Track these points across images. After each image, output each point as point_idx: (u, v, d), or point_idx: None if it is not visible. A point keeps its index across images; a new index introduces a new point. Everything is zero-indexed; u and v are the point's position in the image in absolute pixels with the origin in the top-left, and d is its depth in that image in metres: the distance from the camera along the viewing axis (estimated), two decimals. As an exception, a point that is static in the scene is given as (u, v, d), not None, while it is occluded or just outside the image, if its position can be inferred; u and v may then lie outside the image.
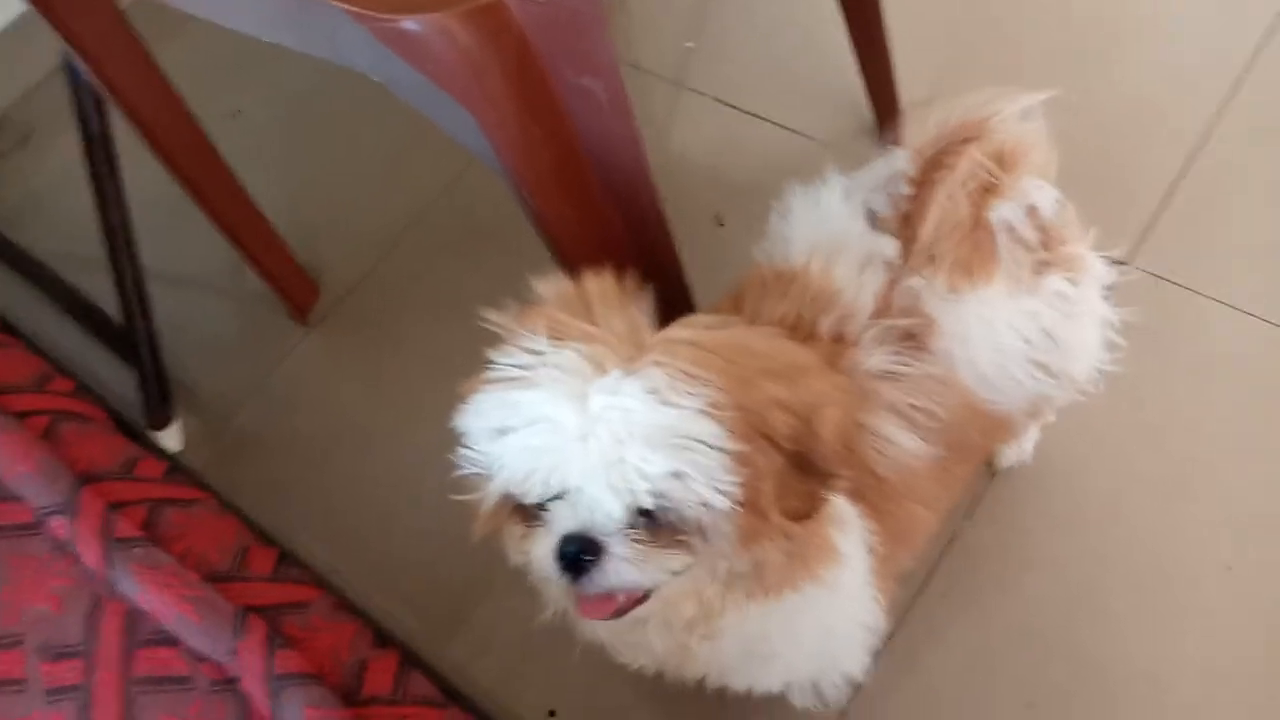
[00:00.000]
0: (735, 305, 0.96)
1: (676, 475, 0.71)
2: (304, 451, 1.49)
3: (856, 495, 0.89)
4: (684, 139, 1.66)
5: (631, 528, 0.73)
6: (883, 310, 0.90)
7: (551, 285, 0.80)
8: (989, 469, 1.29)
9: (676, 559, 0.75)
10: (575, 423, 0.71)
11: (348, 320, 1.59)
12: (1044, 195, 0.90)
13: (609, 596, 0.77)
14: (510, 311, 0.79)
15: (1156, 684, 1.16)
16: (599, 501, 0.72)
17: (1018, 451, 1.26)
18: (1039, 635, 1.21)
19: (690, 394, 0.71)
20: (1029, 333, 0.92)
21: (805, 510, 0.78)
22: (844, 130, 1.58)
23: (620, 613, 0.79)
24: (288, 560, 0.84)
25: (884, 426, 0.89)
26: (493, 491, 0.76)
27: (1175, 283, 1.39)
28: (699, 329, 0.78)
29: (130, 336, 1.45)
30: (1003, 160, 0.87)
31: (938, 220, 0.86)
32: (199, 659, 0.76)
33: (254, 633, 0.75)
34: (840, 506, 0.87)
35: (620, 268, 1.12)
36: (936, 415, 0.90)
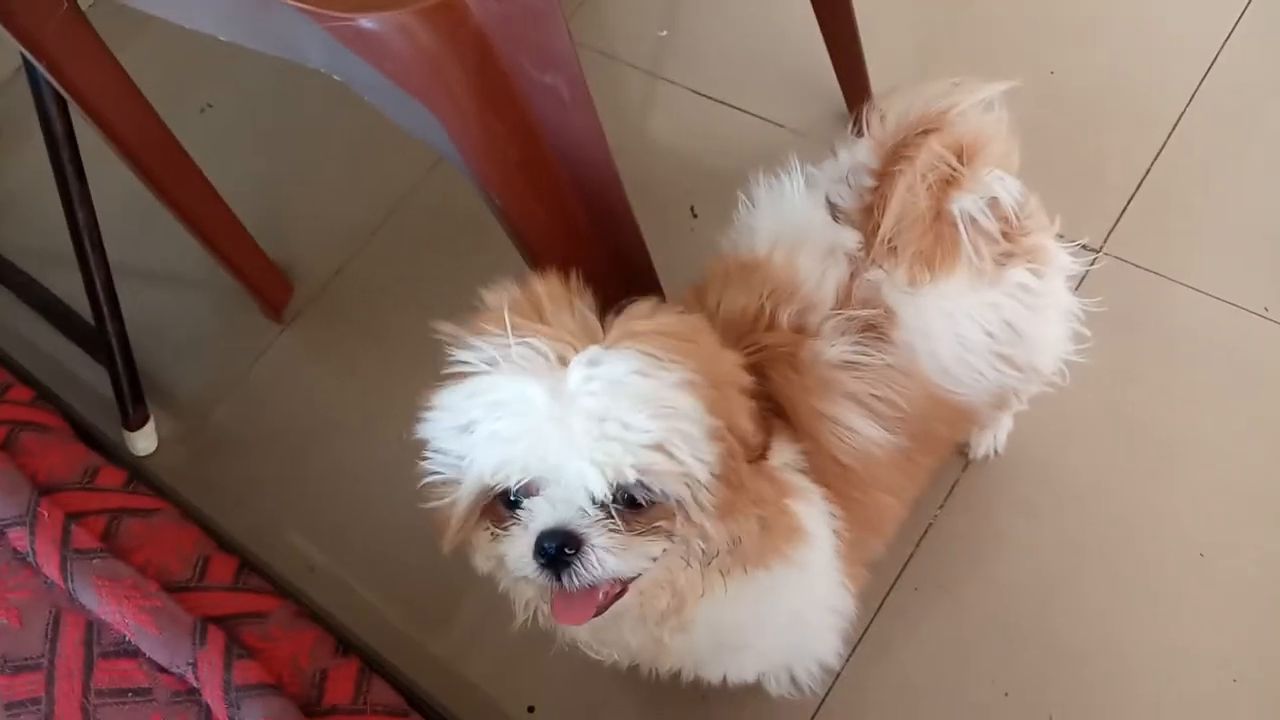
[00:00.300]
0: (699, 296, 0.96)
1: (660, 447, 0.71)
2: (281, 448, 1.49)
3: (820, 480, 0.89)
4: (658, 129, 1.65)
5: (608, 516, 0.73)
6: (844, 301, 0.90)
7: (499, 292, 0.79)
8: (963, 458, 1.29)
9: (655, 544, 0.75)
10: (548, 403, 0.71)
11: (323, 316, 1.59)
12: (1005, 186, 0.89)
13: (588, 596, 0.77)
14: (461, 322, 0.78)
15: (1131, 670, 1.17)
16: (582, 478, 0.71)
17: (991, 440, 1.26)
18: (1013, 623, 1.21)
19: (667, 369, 0.72)
20: (991, 325, 0.92)
21: (764, 446, 0.79)
22: (818, 119, 1.57)
23: (599, 611, 0.78)
24: (248, 569, 0.83)
25: (845, 415, 0.89)
26: (465, 492, 0.75)
27: (1147, 269, 1.38)
28: (643, 318, 0.77)
29: (102, 337, 1.44)
30: (963, 152, 0.87)
31: (898, 213, 0.86)
32: (159, 670, 0.76)
33: (213, 643, 0.75)
34: (803, 484, 0.88)
35: (589, 261, 1.12)
36: (898, 405, 0.90)
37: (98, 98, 1.26)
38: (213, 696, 0.74)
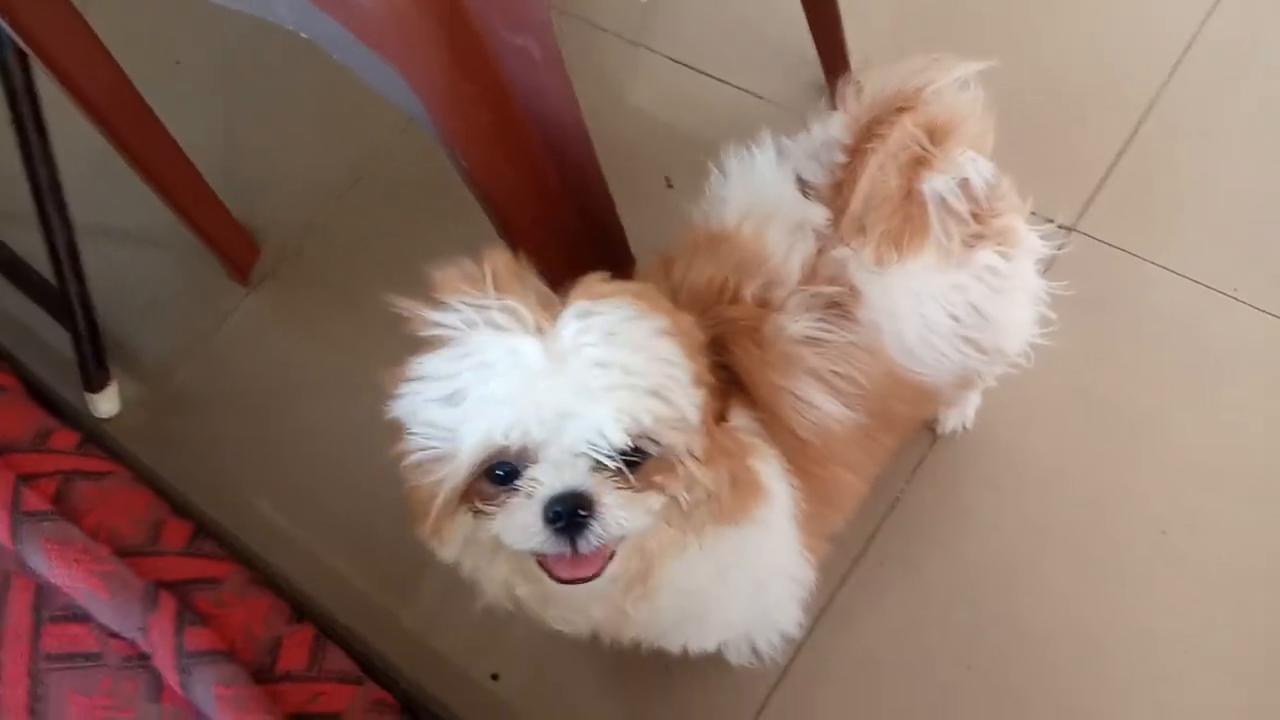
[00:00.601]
0: (667, 266, 0.95)
1: (658, 393, 0.71)
2: (248, 412, 1.47)
3: (778, 448, 0.89)
4: (637, 97, 1.63)
5: (615, 473, 0.72)
6: (810, 278, 0.89)
7: (451, 268, 0.77)
8: (931, 434, 1.29)
9: (655, 499, 0.75)
10: (543, 360, 0.70)
11: (291, 278, 1.57)
12: (977, 168, 0.89)
13: (594, 557, 0.75)
14: (421, 294, 0.76)
15: (1093, 645, 1.18)
16: (599, 429, 0.69)
17: (959, 416, 1.26)
18: (978, 598, 1.22)
19: (649, 317, 0.73)
20: (957, 308, 0.92)
21: (723, 409, 0.80)
22: (797, 91, 1.56)
23: (599, 572, 0.76)
24: (203, 534, 0.82)
25: (806, 390, 0.88)
26: (459, 466, 0.72)
27: (1120, 248, 1.38)
28: (601, 284, 0.76)
29: (64, 297, 1.41)
30: (935, 131, 0.86)
31: (868, 191, 0.85)
32: (110, 635, 0.75)
33: (164, 609, 0.74)
34: (759, 445, 0.88)
35: (559, 224, 1.11)
36: (860, 383, 0.90)
37: (59, 52, 1.23)
38: (163, 662, 0.73)
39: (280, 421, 1.45)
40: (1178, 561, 1.21)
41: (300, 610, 0.82)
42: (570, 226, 1.11)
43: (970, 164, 0.88)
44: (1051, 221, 1.38)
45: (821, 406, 0.89)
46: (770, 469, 0.88)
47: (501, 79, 0.97)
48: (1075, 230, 1.39)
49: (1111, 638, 1.18)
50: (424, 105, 0.93)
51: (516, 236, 1.07)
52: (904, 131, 0.84)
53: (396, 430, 0.76)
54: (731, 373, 0.86)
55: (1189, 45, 1.52)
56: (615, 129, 1.57)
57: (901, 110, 0.85)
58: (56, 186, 1.36)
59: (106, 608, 0.74)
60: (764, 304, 0.89)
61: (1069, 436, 1.29)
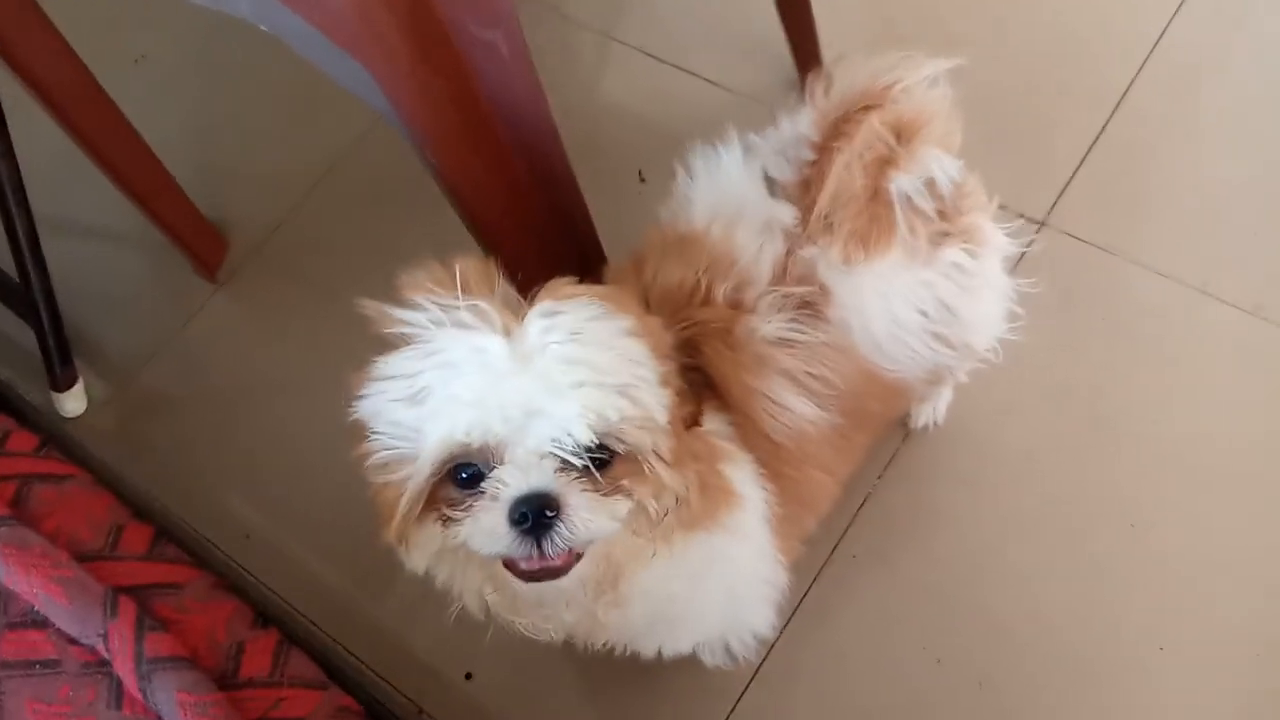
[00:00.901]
0: (637, 266, 0.94)
1: (626, 392, 0.70)
2: (217, 410, 1.46)
3: (752, 455, 0.89)
4: (609, 90, 1.62)
5: (581, 475, 0.71)
6: (780, 278, 0.89)
7: (420, 270, 0.76)
8: (903, 429, 1.29)
9: (621, 504, 0.74)
10: (508, 359, 0.69)
11: (258, 275, 1.55)
12: (943, 166, 0.88)
13: (560, 561, 0.74)
14: (389, 295, 0.75)
15: (1060, 639, 1.18)
16: (565, 428, 0.68)
17: (930, 412, 1.27)
18: (949, 593, 1.22)
19: (615, 317, 0.72)
20: (925, 304, 0.92)
21: (695, 414, 0.80)
22: (770, 85, 1.55)
23: (566, 568, 0.75)
24: (165, 537, 0.81)
25: (779, 392, 0.88)
26: (420, 466, 0.71)
27: (1090, 243, 1.38)
28: (567, 286, 0.75)
29: (27, 294, 1.39)
30: (902, 130, 0.86)
31: (834, 191, 0.85)
32: (69, 641, 0.74)
33: (124, 615, 0.73)
34: (732, 450, 0.87)
35: (528, 219, 1.10)
36: (833, 383, 0.89)
37: (16, 44, 1.21)
38: (124, 669, 0.72)
39: (250, 418, 1.44)
40: (1145, 554, 1.22)
41: (265, 615, 0.81)
42: (539, 221, 1.10)
43: (936, 163, 0.88)
44: (1023, 217, 1.38)
45: (794, 408, 0.88)
46: (743, 474, 0.88)
47: (468, 74, 0.96)
48: (1046, 225, 1.40)
49: (1081, 630, 1.19)
50: (389, 100, 0.92)
51: (485, 231, 1.07)
52: (870, 130, 0.84)
53: (361, 431, 0.75)
54: (704, 375, 0.86)
55: (1158, 40, 1.52)
56: (587, 124, 1.56)
57: (868, 108, 0.85)
58: (18, 181, 1.34)
59: (65, 614, 0.73)
60: (736, 305, 0.89)
61: (1039, 431, 1.29)
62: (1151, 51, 1.51)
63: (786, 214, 0.90)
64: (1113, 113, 1.47)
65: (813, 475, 0.94)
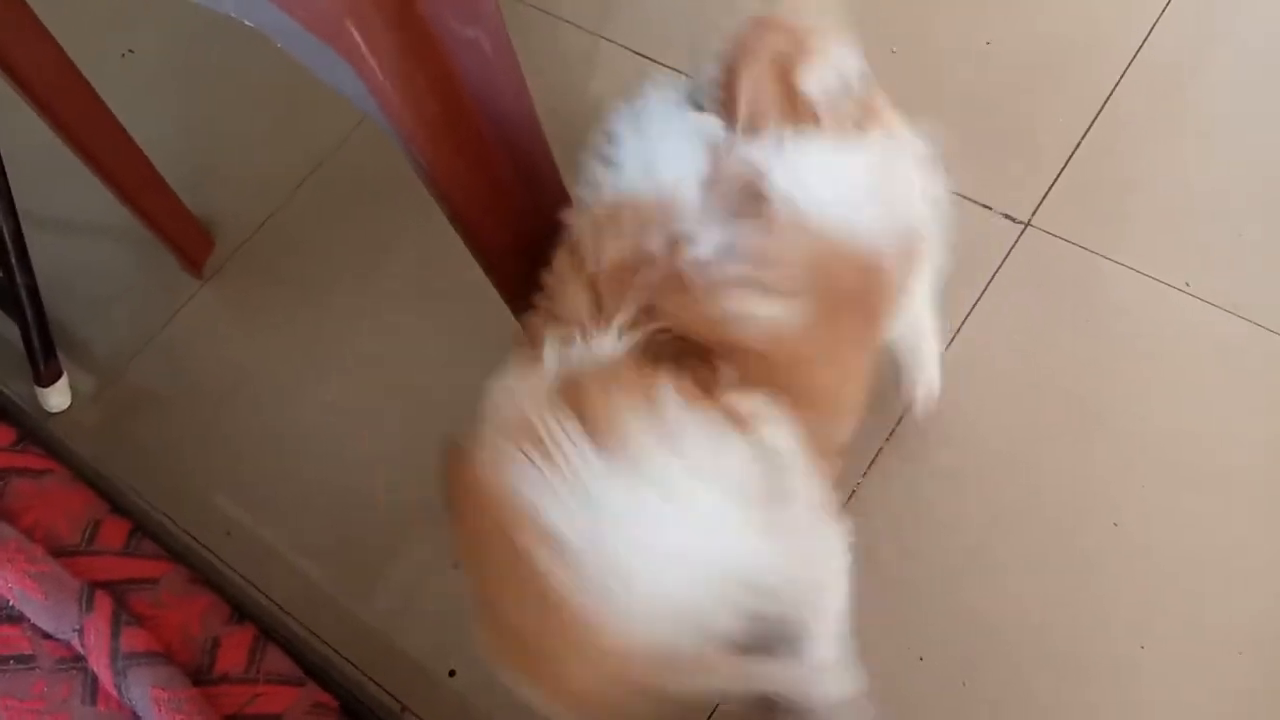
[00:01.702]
0: (573, 258, 0.91)
1: None
2: (202, 407, 1.46)
3: (751, 382, 0.85)
4: (597, 89, 1.62)
5: None
6: (712, 185, 0.88)
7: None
8: (890, 422, 1.30)
9: None
10: None
11: (245, 272, 1.55)
12: (848, 59, 0.92)
13: None
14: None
15: (1046, 636, 1.18)
16: None
17: (926, 384, 1.26)
18: (930, 590, 1.22)
19: None
20: (863, 174, 0.92)
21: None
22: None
23: None
24: (141, 533, 0.81)
25: (739, 303, 0.85)
26: None
27: (1074, 243, 1.39)
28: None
29: (11, 289, 1.39)
30: (800, 42, 0.90)
31: (750, 97, 0.88)
32: (44, 637, 0.74)
33: (100, 610, 0.73)
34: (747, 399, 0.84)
35: (512, 218, 1.10)
36: (791, 264, 0.86)
37: (1, 38, 1.20)
38: (99, 664, 0.71)
39: (236, 414, 1.44)
40: (1130, 552, 1.22)
41: (241, 610, 0.81)
42: (523, 218, 1.10)
43: (837, 54, 0.92)
44: (1007, 217, 1.39)
45: (759, 311, 0.85)
46: (760, 406, 0.83)
47: (452, 71, 0.96)
48: (1030, 225, 1.40)
49: (1064, 628, 1.19)
50: (372, 95, 0.93)
51: (468, 227, 1.07)
52: (771, 41, 0.89)
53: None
54: (681, 338, 0.84)
55: (1142, 44, 1.52)
56: (573, 119, 1.55)
57: (762, 29, 0.90)
58: (2, 175, 1.34)
59: (40, 609, 0.73)
60: (674, 245, 0.86)
61: (1023, 429, 1.29)
62: (1135, 55, 1.51)
63: (712, 125, 0.90)
64: (1097, 115, 1.47)
65: (811, 373, 0.90)
